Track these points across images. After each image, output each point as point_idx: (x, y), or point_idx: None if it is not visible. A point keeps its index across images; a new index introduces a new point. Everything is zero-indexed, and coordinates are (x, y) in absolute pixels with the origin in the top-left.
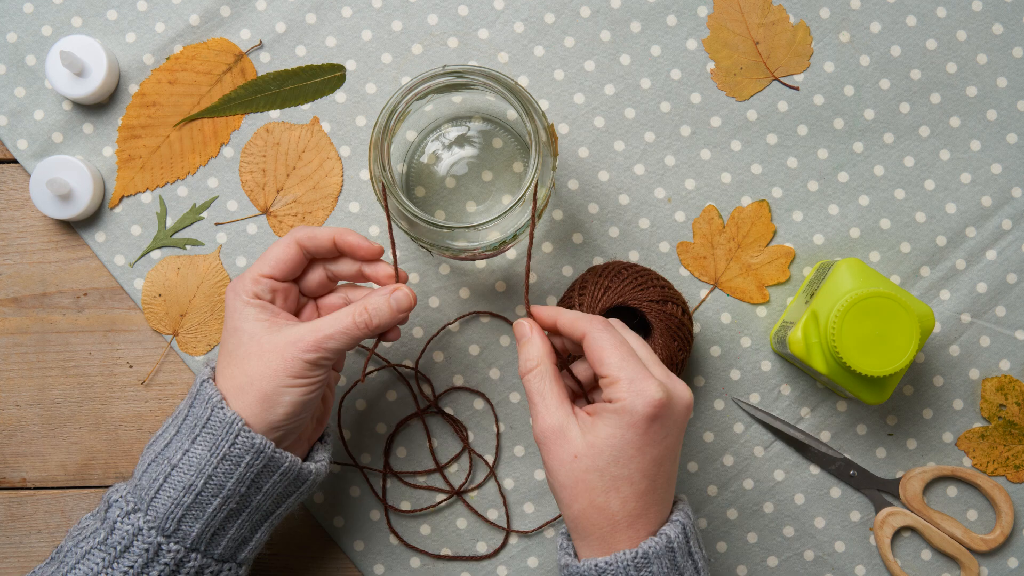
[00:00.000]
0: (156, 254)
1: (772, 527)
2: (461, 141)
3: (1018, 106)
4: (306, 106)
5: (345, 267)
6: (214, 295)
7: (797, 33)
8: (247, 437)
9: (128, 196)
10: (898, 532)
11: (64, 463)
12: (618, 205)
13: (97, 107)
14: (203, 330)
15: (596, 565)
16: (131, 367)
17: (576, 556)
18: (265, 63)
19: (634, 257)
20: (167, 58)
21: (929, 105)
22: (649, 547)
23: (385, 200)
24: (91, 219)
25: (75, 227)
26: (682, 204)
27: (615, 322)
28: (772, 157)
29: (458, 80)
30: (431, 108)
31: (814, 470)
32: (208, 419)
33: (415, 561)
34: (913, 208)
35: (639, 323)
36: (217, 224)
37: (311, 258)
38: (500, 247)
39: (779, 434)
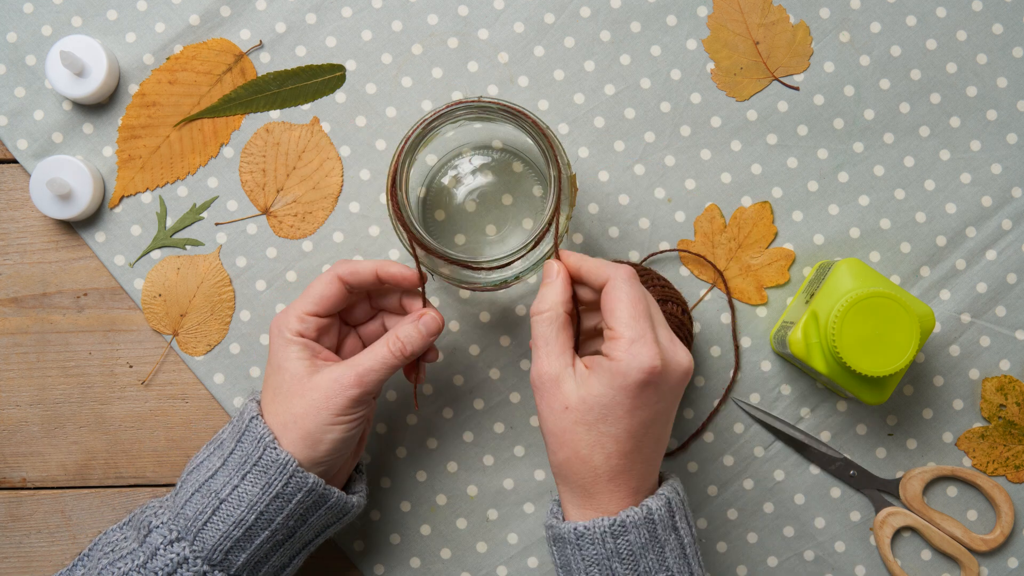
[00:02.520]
0: (156, 254)
1: (772, 527)
2: (483, 168)
3: (1018, 106)
4: (306, 106)
5: (389, 300)
6: (214, 295)
7: (797, 33)
8: (301, 478)
9: (128, 196)
10: (898, 532)
11: (64, 463)
12: (618, 205)
13: (97, 107)
14: (203, 330)
15: (575, 528)
16: (131, 367)
17: (563, 518)
18: (265, 63)
19: (634, 257)
20: (167, 58)
21: (929, 105)
22: (627, 516)
23: (409, 235)
24: (91, 219)
25: (75, 227)
26: (682, 204)
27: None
28: (772, 157)
29: (484, 114)
30: (452, 134)
31: (814, 470)
32: (260, 458)
33: (415, 561)
34: (913, 208)
35: None
36: (217, 224)
37: (354, 291)
38: (501, 284)
39: (779, 434)
